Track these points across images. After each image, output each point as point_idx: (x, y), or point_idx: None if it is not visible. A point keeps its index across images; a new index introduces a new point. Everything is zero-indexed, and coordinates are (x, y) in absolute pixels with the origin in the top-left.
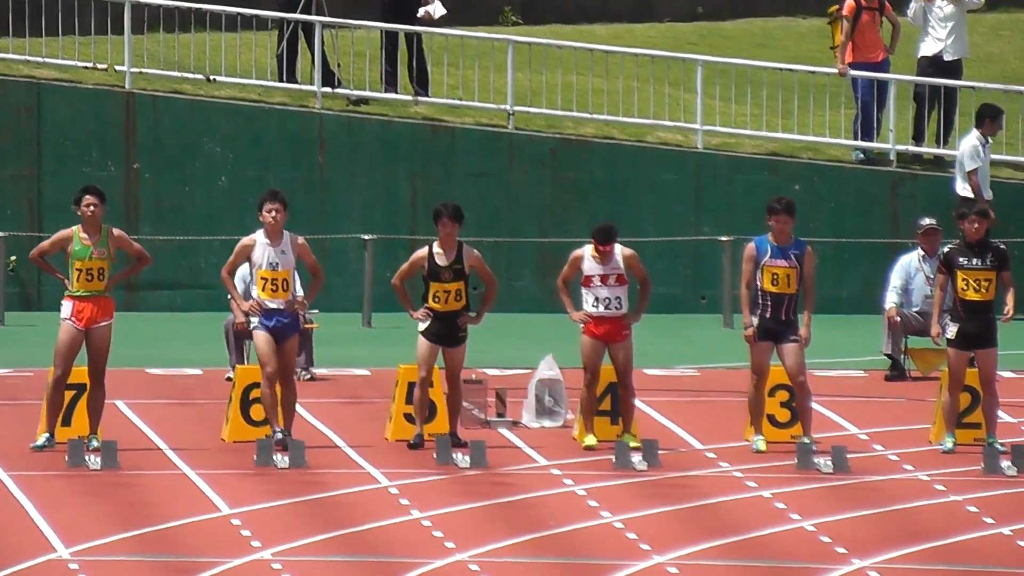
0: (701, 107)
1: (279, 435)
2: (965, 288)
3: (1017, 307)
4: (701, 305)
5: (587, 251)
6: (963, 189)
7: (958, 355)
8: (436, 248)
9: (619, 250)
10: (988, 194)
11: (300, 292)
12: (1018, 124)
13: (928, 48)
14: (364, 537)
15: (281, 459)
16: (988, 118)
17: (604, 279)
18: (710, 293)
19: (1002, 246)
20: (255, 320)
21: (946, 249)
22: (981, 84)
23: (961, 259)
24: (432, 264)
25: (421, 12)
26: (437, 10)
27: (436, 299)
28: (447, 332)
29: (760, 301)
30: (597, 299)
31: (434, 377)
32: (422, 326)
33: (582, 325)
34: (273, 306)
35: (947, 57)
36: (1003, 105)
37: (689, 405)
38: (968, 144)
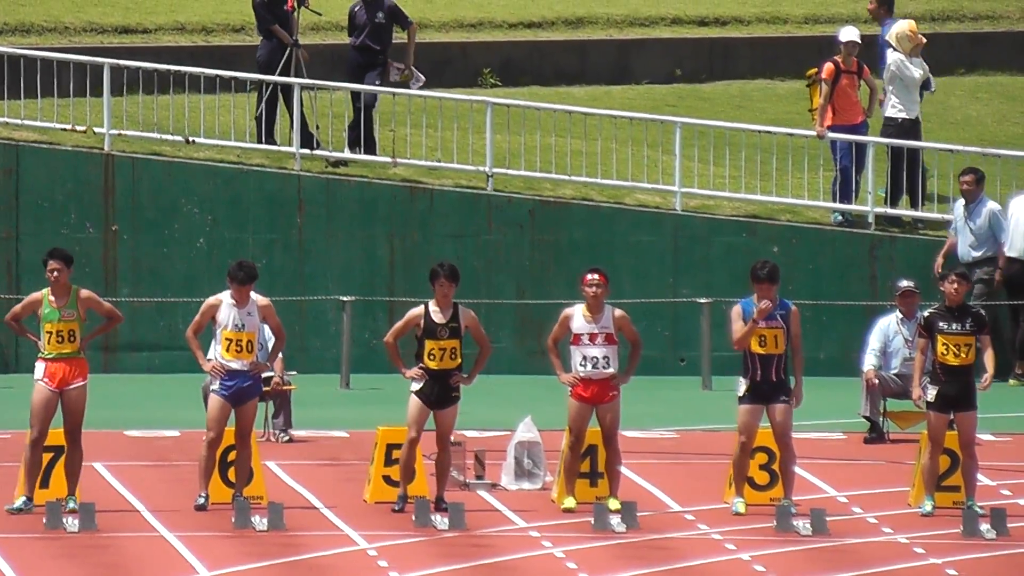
0: (679, 169)
1: (201, 499)
2: (945, 352)
3: (997, 370)
4: (679, 367)
5: (577, 310)
6: (1014, 250)
7: (938, 418)
8: (432, 307)
9: (610, 310)
10: None
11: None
12: (996, 187)
13: (896, 112)
14: None
15: (260, 521)
16: None
17: (593, 338)
18: (689, 355)
19: (981, 311)
20: (215, 383)
21: (927, 313)
22: (959, 147)
23: (941, 323)
24: (428, 322)
25: (396, 76)
26: (415, 82)
27: (431, 357)
28: (440, 391)
29: (748, 364)
30: (585, 358)
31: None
32: (415, 386)
33: (570, 388)
34: (236, 367)
35: (913, 116)
36: (981, 168)
37: (668, 467)
38: (1020, 208)
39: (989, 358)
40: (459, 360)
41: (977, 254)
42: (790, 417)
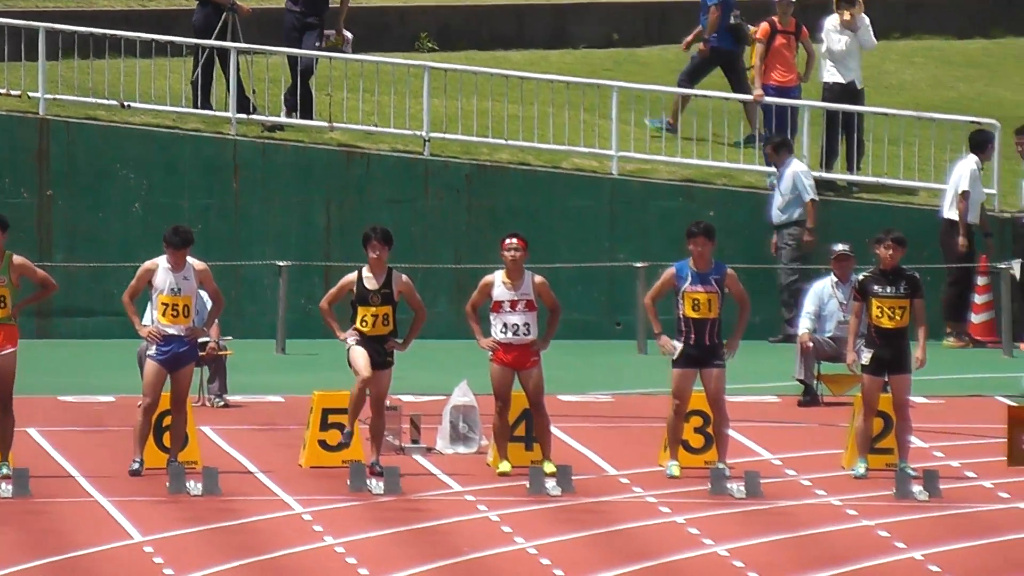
0: (616, 133)
1: (135, 464)
2: (879, 315)
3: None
4: (616, 331)
5: (497, 276)
6: (951, 212)
7: (871, 381)
8: (365, 272)
9: (530, 276)
10: (973, 218)
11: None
12: (930, 151)
13: (833, 75)
14: (277, 564)
15: (195, 486)
16: (989, 144)
17: (514, 305)
18: (625, 319)
19: (915, 274)
20: (151, 348)
21: (861, 276)
22: (893, 111)
23: (875, 287)
24: (361, 288)
25: (322, 42)
26: (347, 45)
27: (364, 323)
28: (374, 356)
29: (683, 328)
30: (506, 325)
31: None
32: (351, 341)
33: (490, 352)
34: (172, 332)
35: (858, 85)
36: (915, 132)
37: (603, 431)
38: (966, 167)
39: (922, 332)
40: (392, 326)
41: (784, 216)
42: (723, 381)
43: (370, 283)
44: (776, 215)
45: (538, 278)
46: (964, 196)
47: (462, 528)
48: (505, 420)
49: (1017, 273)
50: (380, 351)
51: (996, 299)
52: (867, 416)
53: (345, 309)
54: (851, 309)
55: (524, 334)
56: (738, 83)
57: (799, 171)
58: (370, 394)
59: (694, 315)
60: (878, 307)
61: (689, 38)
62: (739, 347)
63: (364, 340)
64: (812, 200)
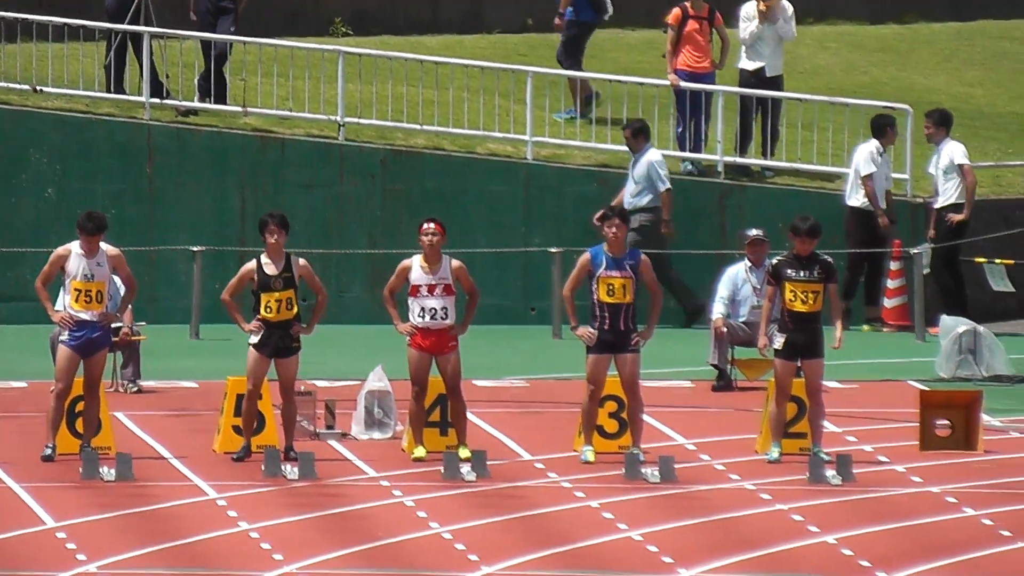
0: (531, 118)
1: (48, 450)
2: (793, 299)
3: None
4: (531, 316)
5: (415, 261)
6: (853, 199)
7: (784, 365)
8: (264, 259)
9: (448, 261)
10: (883, 203)
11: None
12: (843, 136)
13: (744, 62)
14: (191, 549)
15: (108, 472)
16: (889, 128)
17: (431, 289)
18: (540, 304)
19: (829, 259)
20: (64, 334)
21: (775, 260)
22: (807, 96)
23: (789, 271)
24: (261, 275)
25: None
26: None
27: (268, 309)
28: (280, 342)
29: (597, 313)
30: (424, 309)
31: (263, 389)
32: (254, 339)
33: (408, 337)
34: (85, 318)
35: (769, 73)
36: (829, 117)
37: (518, 416)
38: (865, 151)
39: (837, 313)
40: (295, 310)
41: (634, 202)
42: (638, 366)
43: (270, 269)
44: (627, 201)
45: (456, 262)
46: (868, 178)
47: (377, 513)
48: (421, 405)
49: (925, 259)
50: (286, 337)
51: (909, 284)
52: (780, 401)
53: (247, 299)
54: (764, 293)
55: (442, 318)
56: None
57: (654, 160)
58: (279, 380)
59: (609, 300)
60: (791, 291)
61: (558, 21)
62: (653, 334)
63: (269, 327)
64: (667, 190)
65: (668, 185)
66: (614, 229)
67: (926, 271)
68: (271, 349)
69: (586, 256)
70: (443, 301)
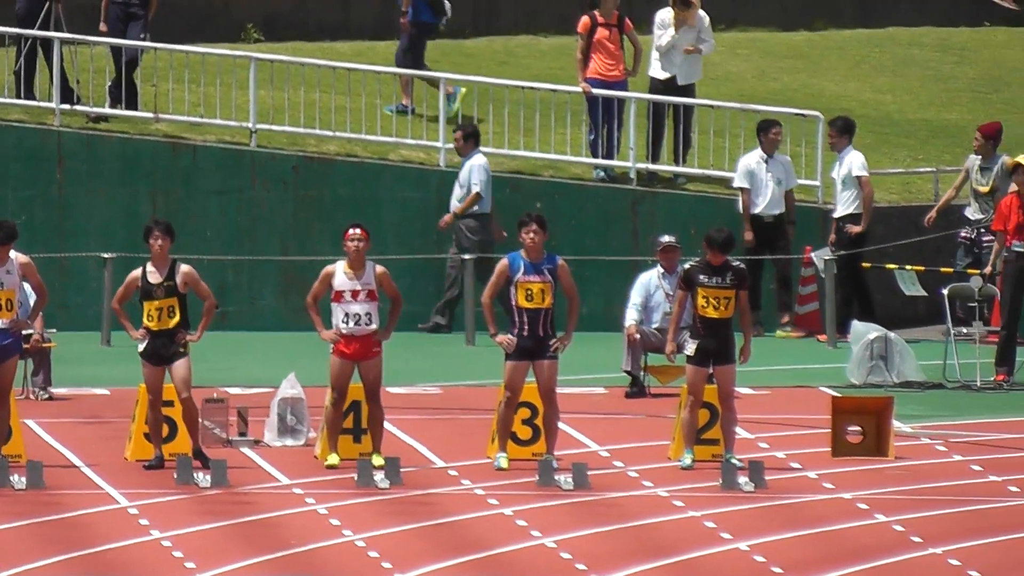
0: (443, 125)
1: None
2: (705, 305)
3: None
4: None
5: (338, 266)
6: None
7: (696, 371)
8: (149, 267)
9: (372, 267)
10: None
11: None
12: (755, 142)
13: (655, 70)
14: (103, 558)
15: (18, 480)
16: (762, 133)
17: (355, 295)
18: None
19: (741, 265)
20: None
21: (687, 266)
22: (719, 103)
23: (702, 276)
24: (145, 283)
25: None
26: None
27: (150, 317)
28: (163, 350)
29: (516, 319)
30: (347, 315)
31: (173, 396)
32: (140, 347)
33: (332, 345)
34: None
35: (681, 81)
36: (740, 124)
37: (432, 422)
38: (743, 161)
39: (747, 322)
40: (179, 317)
41: (461, 206)
42: (556, 372)
43: (153, 277)
44: (453, 205)
45: (380, 268)
46: (742, 191)
47: (290, 521)
48: (339, 412)
49: (820, 264)
50: (168, 344)
51: (820, 290)
52: (692, 407)
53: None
54: (675, 298)
55: (366, 324)
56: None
57: (476, 164)
58: (173, 383)
59: (527, 305)
60: (704, 297)
61: (403, 20)
62: (572, 340)
63: (153, 336)
64: (477, 193)
65: (479, 190)
66: (532, 234)
67: (823, 274)
68: (157, 357)
69: (504, 262)
70: (367, 307)
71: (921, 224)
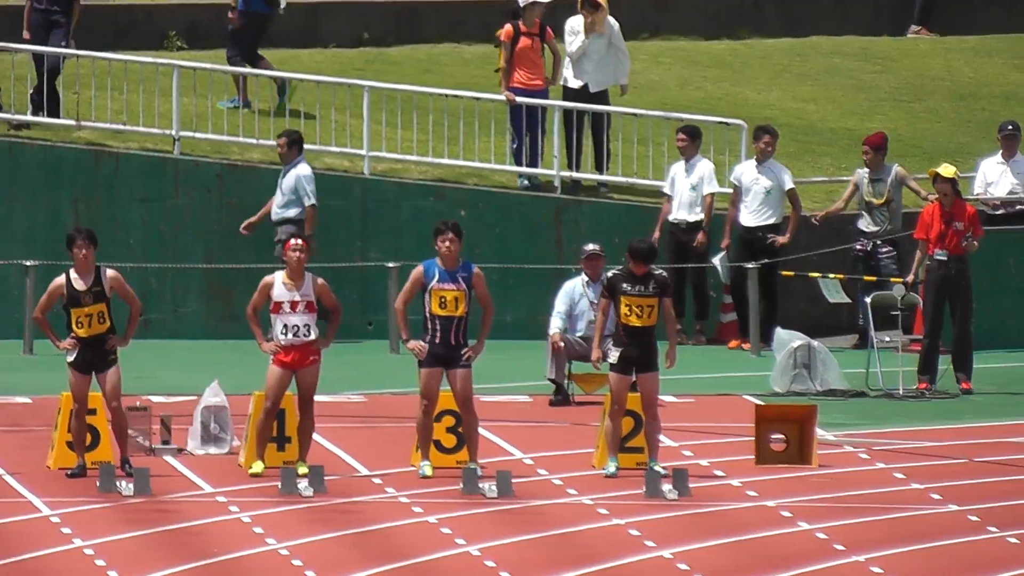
0: (368, 133)
1: None
2: (628, 314)
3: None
4: (368, 331)
5: (277, 277)
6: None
7: (620, 379)
8: (73, 274)
9: (311, 278)
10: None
11: None
12: (676, 152)
13: (568, 79)
14: (25, 567)
15: None
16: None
17: (294, 306)
18: (377, 319)
19: (664, 273)
20: None
21: (610, 274)
22: (642, 111)
23: (625, 284)
24: (71, 290)
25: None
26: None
27: (79, 324)
28: (95, 357)
29: (429, 326)
30: (286, 327)
31: (96, 404)
32: (70, 356)
33: (271, 356)
34: None
35: (593, 88)
36: (663, 133)
37: (356, 431)
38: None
39: (672, 330)
40: (108, 323)
41: (281, 212)
42: (470, 381)
43: (79, 284)
44: (275, 212)
45: (320, 280)
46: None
47: (213, 529)
48: (271, 421)
49: (719, 268)
50: (101, 352)
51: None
52: (616, 415)
53: (60, 316)
54: (598, 306)
55: (305, 335)
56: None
57: (303, 174)
58: (103, 393)
59: (441, 312)
60: (627, 305)
61: (231, 14)
62: (484, 349)
63: (83, 344)
64: (312, 205)
65: (314, 201)
66: (447, 243)
67: (725, 280)
68: (87, 365)
69: (419, 269)
70: (306, 318)
71: (844, 232)
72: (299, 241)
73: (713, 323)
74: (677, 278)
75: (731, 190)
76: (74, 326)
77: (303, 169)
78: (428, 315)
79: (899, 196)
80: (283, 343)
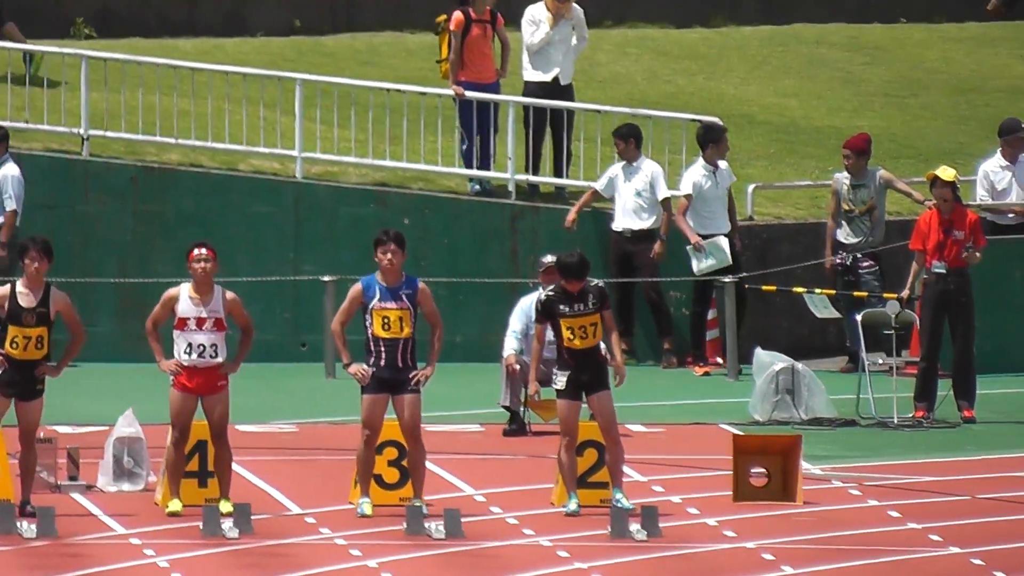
0: (300, 131)
1: None
2: (572, 337)
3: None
4: (302, 352)
5: (183, 290)
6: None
7: (569, 407)
8: (20, 287)
9: (220, 292)
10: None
11: None
12: (649, 151)
13: (530, 72)
14: None
15: None
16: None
17: (201, 323)
18: (311, 339)
19: (600, 283)
20: None
21: (543, 297)
22: (607, 107)
23: (562, 306)
24: (14, 305)
25: None
26: None
27: (14, 344)
28: (22, 383)
29: (372, 348)
30: (191, 345)
31: None
32: None
33: (172, 376)
34: None
35: (563, 82)
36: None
37: (287, 464)
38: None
39: (614, 342)
40: (46, 349)
41: None
42: (419, 408)
43: (25, 300)
44: None
45: (230, 295)
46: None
47: (126, 575)
48: (181, 453)
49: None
50: (30, 378)
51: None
52: (570, 446)
53: None
54: (535, 334)
55: (211, 356)
56: None
57: (11, 175)
58: (19, 425)
59: (384, 335)
60: (568, 328)
61: None
62: (434, 372)
63: (12, 365)
64: (13, 211)
65: (17, 206)
66: (389, 255)
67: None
68: (14, 389)
69: (357, 287)
70: (213, 337)
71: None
72: (203, 250)
73: (684, 341)
74: (622, 293)
75: (672, 192)
76: (8, 345)
77: (10, 169)
78: (371, 337)
79: (883, 203)
80: (186, 363)
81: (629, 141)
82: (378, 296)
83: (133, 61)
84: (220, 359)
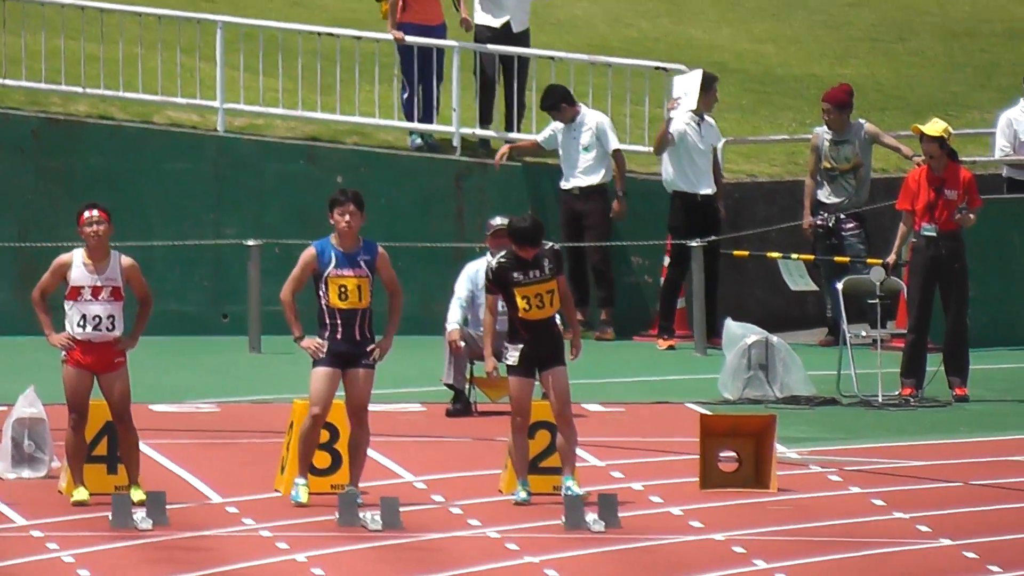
0: (222, 80)
1: None
2: (528, 308)
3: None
4: (223, 325)
5: (77, 257)
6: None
7: (521, 384)
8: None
9: (117, 258)
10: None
11: None
12: (606, 102)
13: (480, 16)
14: None
15: None
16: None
17: (96, 292)
18: (233, 310)
19: (555, 246)
20: None
21: (495, 264)
22: (562, 54)
23: (515, 274)
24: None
25: None
26: None
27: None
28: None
29: (328, 320)
30: (85, 317)
31: None
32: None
33: (64, 352)
34: None
35: (516, 28)
36: (587, 80)
37: (206, 448)
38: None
39: (571, 311)
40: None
41: None
42: (371, 384)
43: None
44: None
45: (127, 260)
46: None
47: (28, 571)
48: (81, 436)
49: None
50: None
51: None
52: (521, 428)
53: None
54: (487, 304)
55: (107, 328)
56: None
57: None
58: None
59: (342, 305)
60: (524, 298)
61: None
62: (392, 346)
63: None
64: None
65: None
66: (348, 217)
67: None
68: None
69: (311, 251)
70: (109, 307)
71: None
72: (95, 212)
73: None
74: (574, 257)
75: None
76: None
77: None
78: (325, 307)
79: (868, 160)
80: (80, 337)
81: (561, 108)
82: (334, 262)
83: (34, 1)
84: (117, 332)
